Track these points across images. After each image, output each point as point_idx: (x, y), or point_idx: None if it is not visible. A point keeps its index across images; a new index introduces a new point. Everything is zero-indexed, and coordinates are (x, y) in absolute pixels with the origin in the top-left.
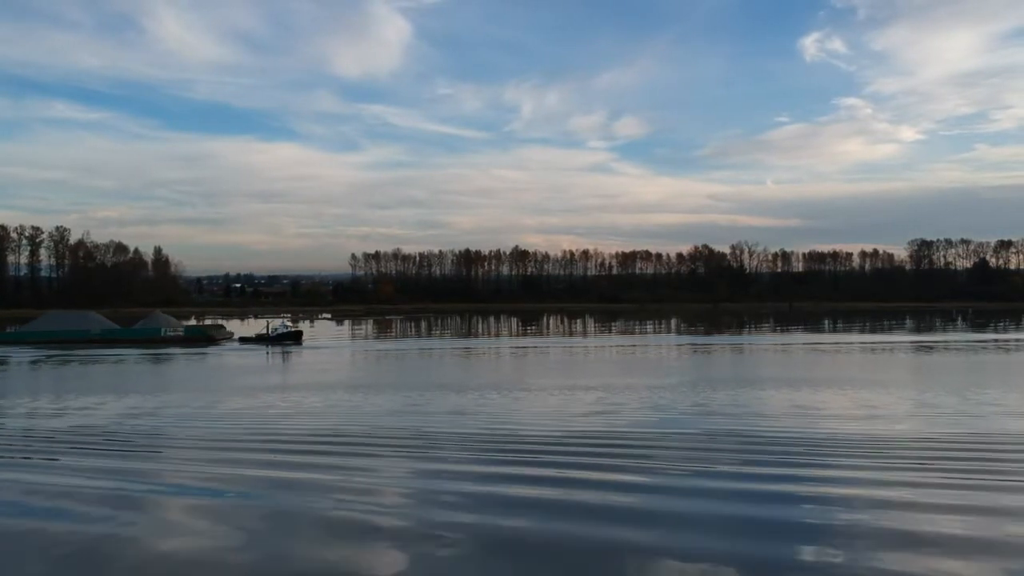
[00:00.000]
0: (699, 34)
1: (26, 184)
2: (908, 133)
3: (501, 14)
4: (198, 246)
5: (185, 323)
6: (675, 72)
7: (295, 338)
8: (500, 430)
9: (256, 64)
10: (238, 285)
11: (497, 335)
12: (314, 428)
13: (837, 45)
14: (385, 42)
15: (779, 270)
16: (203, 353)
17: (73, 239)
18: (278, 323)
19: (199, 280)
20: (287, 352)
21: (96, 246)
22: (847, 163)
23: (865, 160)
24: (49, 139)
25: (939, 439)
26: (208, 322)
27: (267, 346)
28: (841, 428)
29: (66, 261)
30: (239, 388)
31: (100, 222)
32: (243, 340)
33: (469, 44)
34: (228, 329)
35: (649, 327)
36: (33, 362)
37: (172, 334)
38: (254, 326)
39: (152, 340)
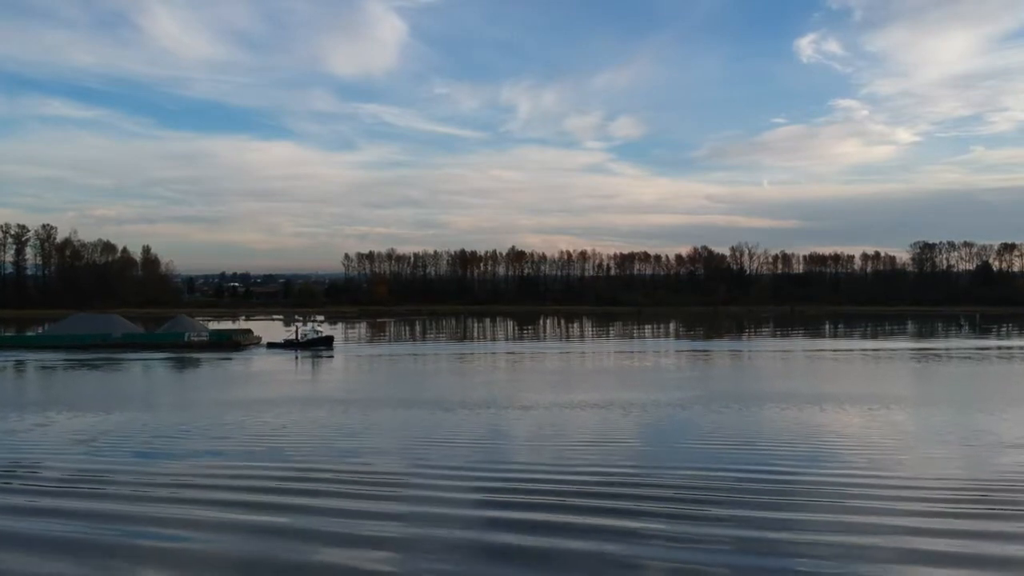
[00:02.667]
0: (695, 35)
1: (22, 182)
2: (905, 135)
3: (497, 14)
4: (195, 244)
5: (211, 326)
6: (671, 73)
7: (326, 343)
8: (491, 468)
9: (251, 62)
10: (235, 284)
11: (493, 339)
12: (288, 465)
13: (833, 47)
14: (381, 41)
15: (779, 271)
16: (227, 359)
17: (70, 238)
18: (308, 328)
19: (191, 280)
20: (318, 358)
21: (83, 245)
22: (844, 164)
23: (862, 162)
24: (45, 137)
25: (998, 483)
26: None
27: (296, 352)
28: (879, 470)
29: (53, 260)
30: (229, 403)
31: (97, 220)
32: (271, 345)
33: (465, 44)
34: (256, 334)
35: (648, 330)
36: (28, 368)
37: (197, 339)
38: (279, 328)
39: (176, 345)
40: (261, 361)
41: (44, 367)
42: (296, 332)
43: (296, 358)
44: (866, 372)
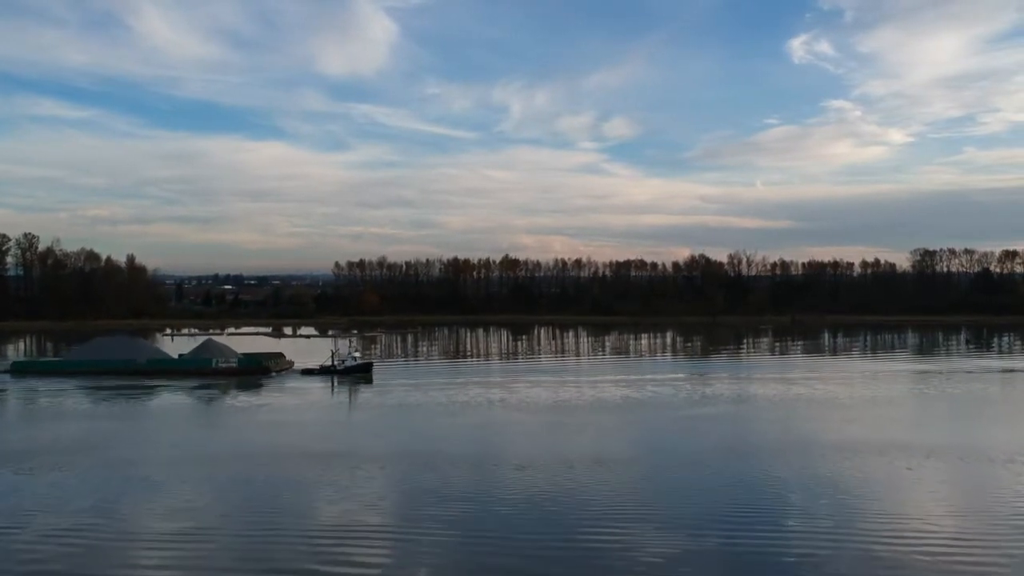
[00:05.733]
0: (687, 36)
1: (16, 182)
2: (897, 135)
3: (488, 14)
4: (189, 244)
5: (241, 353)
6: (664, 73)
7: (364, 370)
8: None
9: (243, 62)
10: (229, 287)
11: (487, 355)
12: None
13: (825, 47)
14: (372, 41)
15: (778, 272)
16: (256, 387)
17: (52, 247)
18: (345, 352)
19: (181, 284)
20: (356, 387)
21: (66, 254)
22: (836, 165)
23: (855, 162)
24: (38, 137)
25: None
26: (207, 338)
27: (333, 379)
28: None
29: (35, 269)
30: (209, 458)
31: (91, 220)
32: (306, 372)
33: (456, 44)
34: (288, 358)
35: (644, 343)
36: (31, 398)
37: (224, 365)
38: (271, 343)
39: (203, 372)
40: (290, 391)
41: (47, 397)
42: (332, 358)
43: (332, 386)
44: (881, 406)
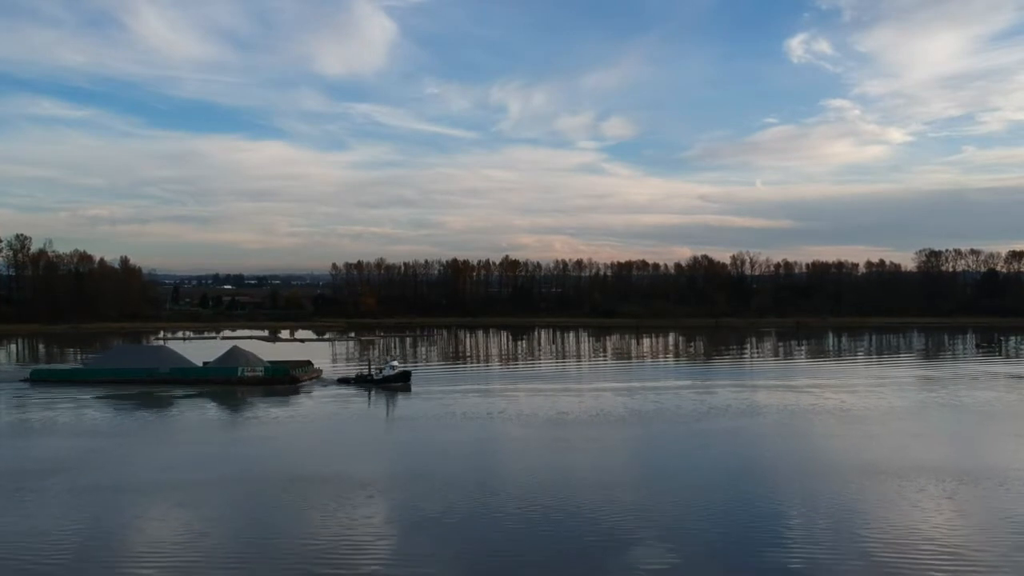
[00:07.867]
0: (685, 35)
1: (14, 182)
2: (896, 135)
3: (486, 14)
4: (188, 244)
5: (267, 361)
6: (662, 73)
7: (403, 379)
8: None
9: (240, 62)
10: (228, 287)
11: (487, 359)
12: None
13: (823, 47)
14: (370, 41)
15: (781, 272)
16: (278, 398)
17: (44, 248)
18: (383, 360)
19: (177, 287)
20: (393, 398)
21: (59, 256)
22: (836, 164)
23: (854, 162)
24: (36, 137)
25: None
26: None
27: (370, 389)
28: None
29: (27, 272)
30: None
31: (90, 220)
32: (342, 381)
33: (455, 44)
34: (316, 366)
35: (646, 347)
36: (31, 409)
37: (250, 374)
38: (267, 348)
39: (228, 381)
40: (316, 402)
41: (55, 408)
42: (369, 367)
43: (369, 397)
44: (900, 418)
